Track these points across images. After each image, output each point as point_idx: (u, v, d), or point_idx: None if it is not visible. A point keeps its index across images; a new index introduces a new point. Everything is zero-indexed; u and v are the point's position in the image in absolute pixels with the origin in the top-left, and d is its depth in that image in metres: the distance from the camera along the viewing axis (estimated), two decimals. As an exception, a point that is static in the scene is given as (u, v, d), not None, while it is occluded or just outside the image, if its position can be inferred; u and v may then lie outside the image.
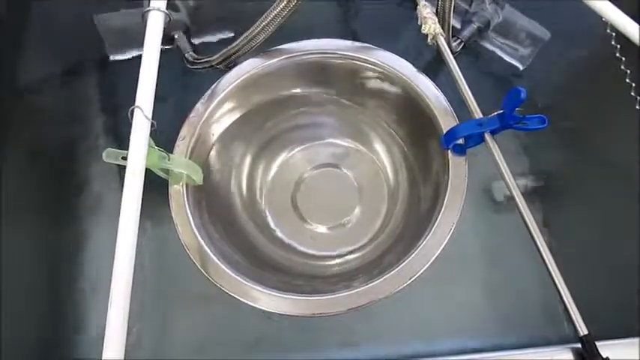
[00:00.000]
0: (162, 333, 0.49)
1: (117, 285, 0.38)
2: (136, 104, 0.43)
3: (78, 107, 0.60)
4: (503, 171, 0.43)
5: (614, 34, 0.60)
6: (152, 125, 0.43)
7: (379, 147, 0.55)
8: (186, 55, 0.56)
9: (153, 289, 0.50)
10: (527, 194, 0.52)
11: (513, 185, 0.42)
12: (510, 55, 0.60)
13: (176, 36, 0.57)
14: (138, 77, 0.43)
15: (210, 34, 0.61)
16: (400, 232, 0.50)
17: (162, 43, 0.53)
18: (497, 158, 0.44)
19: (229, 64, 0.52)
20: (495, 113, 0.43)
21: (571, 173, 0.56)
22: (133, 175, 0.41)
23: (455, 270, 0.50)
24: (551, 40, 0.58)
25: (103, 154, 0.42)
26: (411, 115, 0.50)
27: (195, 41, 0.60)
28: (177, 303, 0.50)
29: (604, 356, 0.38)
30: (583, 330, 0.38)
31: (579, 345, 0.39)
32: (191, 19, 0.58)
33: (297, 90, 0.54)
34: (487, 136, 0.44)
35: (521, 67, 0.60)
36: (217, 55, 0.52)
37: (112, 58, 0.60)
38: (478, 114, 0.45)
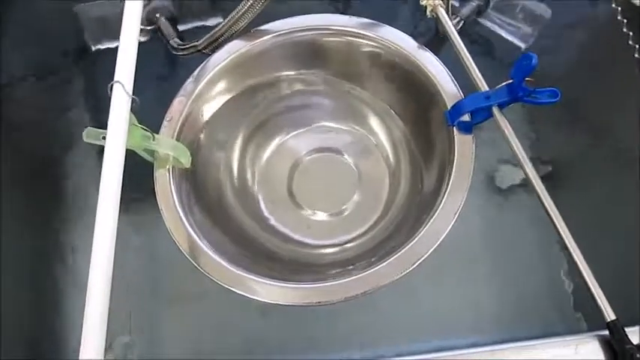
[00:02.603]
0: (155, 334, 0.48)
1: (95, 279, 0.34)
2: (116, 79, 0.40)
3: (60, 100, 0.58)
4: (515, 148, 0.40)
5: (619, 8, 0.58)
6: (133, 102, 0.40)
7: (378, 128, 0.53)
8: (170, 41, 0.54)
9: (143, 288, 0.48)
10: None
11: (527, 163, 0.39)
12: (512, 33, 0.58)
13: (159, 22, 0.55)
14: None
15: (198, 20, 0.59)
16: (403, 218, 0.47)
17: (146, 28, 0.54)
18: (507, 134, 0.41)
19: (216, 47, 0.49)
20: (504, 84, 0.41)
21: (579, 158, 0.54)
22: (113, 155, 0.38)
23: (459, 261, 0.49)
24: (554, 18, 0.56)
25: (83, 134, 0.40)
26: (413, 92, 0.47)
27: (184, 28, 0.58)
28: (169, 302, 0.48)
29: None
30: (610, 315, 0.35)
31: (606, 332, 0.36)
32: (177, 5, 0.57)
33: (290, 71, 0.51)
34: (495, 111, 0.42)
35: (523, 46, 0.57)
36: (203, 39, 0.50)
37: (94, 48, 0.59)
38: (484, 87, 0.42)
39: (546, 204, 0.38)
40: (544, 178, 0.47)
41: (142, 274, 0.49)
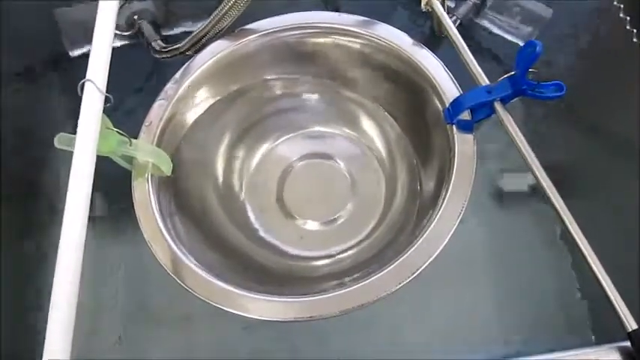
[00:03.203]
0: (146, 354, 0.45)
1: (59, 296, 0.31)
2: (87, 76, 0.37)
3: (38, 106, 0.56)
4: (521, 146, 0.37)
5: (622, 5, 0.55)
6: (107, 101, 0.37)
7: (372, 131, 0.50)
8: (152, 43, 0.52)
9: (133, 307, 0.46)
10: (535, 186, 0.45)
11: (534, 162, 0.36)
12: (511, 33, 0.56)
13: (141, 24, 0.54)
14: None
15: (183, 25, 0.57)
16: (401, 225, 0.45)
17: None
18: (511, 131, 0.38)
19: (199, 49, 0.47)
20: (506, 76, 0.38)
21: (584, 161, 0.51)
22: (82, 160, 0.34)
23: (461, 271, 0.46)
24: (554, 16, 0.54)
25: (55, 140, 0.37)
26: (408, 91, 0.45)
27: (168, 33, 0.56)
28: (159, 321, 0.46)
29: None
30: (631, 325, 0.31)
31: (626, 343, 0.32)
32: (160, 9, 0.56)
33: (278, 72, 0.49)
34: (498, 106, 0.39)
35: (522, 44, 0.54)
36: (185, 41, 0.48)
37: (73, 53, 0.56)
38: (484, 81, 0.40)
39: (558, 206, 0.35)
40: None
41: (130, 292, 0.46)
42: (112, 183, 0.41)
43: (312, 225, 0.48)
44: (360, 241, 0.46)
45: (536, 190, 0.46)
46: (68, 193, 0.33)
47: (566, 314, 0.44)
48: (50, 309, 0.30)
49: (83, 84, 0.37)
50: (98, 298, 0.45)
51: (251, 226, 0.47)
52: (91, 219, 0.47)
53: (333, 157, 0.50)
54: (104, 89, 0.37)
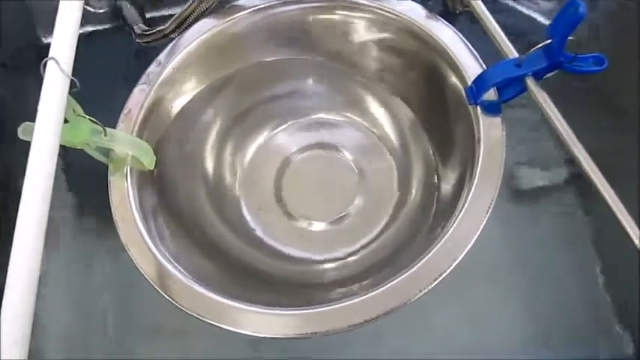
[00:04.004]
0: None
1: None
2: (51, 55, 0.32)
3: (12, 97, 0.51)
4: (560, 128, 0.32)
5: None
6: (73, 85, 0.32)
7: (382, 118, 0.45)
8: (134, 27, 0.47)
9: (123, 321, 0.43)
10: (562, 182, 0.45)
11: (576, 144, 0.31)
12: (531, 8, 0.50)
13: (122, 6, 0.48)
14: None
15: (169, 5, 0.52)
16: (416, 224, 0.40)
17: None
18: (548, 111, 0.32)
19: (186, 29, 0.42)
20: (540, 46, 0.33)
21: (615, 151, 0.44)
22: (42, 150, 0.29)
23: (478, 275, 0.42)
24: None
25: (19, 130, 0.33)
26: (422, 70, 0.40)
27: (154, 14, 0.51)
28: (150, 336, 0.42)
29: None
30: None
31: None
32: None
33: (273, 54, 0.44)
34: (530, 82, 0.33)
35: (546, 23, 0.49)
36: (170, 22, 0.43)
37: (45, 40, 0.53)
38: (512, 53, 0.35)
39: (607, 196, 0.29)
40: (572, 181, 0.44)
41: (118, 303, 0.43)
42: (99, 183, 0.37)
43: (315, 224, 0.43)
44: (370, 242, 0.42)
45: (558, 186, 0.44)
46: (24, 188, 0.28)
47: (599, 320, 0.41)
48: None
49: (45, 63, 0.32)
50: (83, 309, 0.43)
51: (246, 226, 0.43)
52: (78, 219, 0.45)
53: (338, 148, 0.46)
54: (70, 70, 0.32)
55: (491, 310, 0.41)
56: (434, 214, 0.39)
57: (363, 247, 0.41)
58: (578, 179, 0.44)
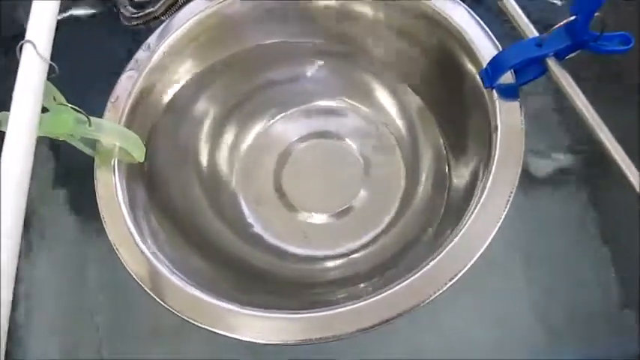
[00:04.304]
0: None
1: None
2: (27, 37, 0.29)
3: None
4: (586, 113, 0.29)
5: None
6: (52, 70, 0.30)
7: (389, 105, 0.43)
8: (122, 9, 0.45)
9: (109, 326, 0.41)
10: (566, 170, 0.43)
11: (603, 130, 0.29)
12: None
13: None
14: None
15: None
16: (426, 218, 0.38)
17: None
18: (572, 94, 0.30)
19: (177, 10, 0.40)
20: (562, 23, 0.30)
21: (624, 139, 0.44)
22: (17, 140, 0.27)
23: (490, 271, 0.39)
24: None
25: None
26: (433, 52, 0.38)
27: None
28: (144, 338, 0.40)
29: None
30: None
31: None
32: None
33: (273, 36, 0.42)
34: (551, 63, 0.31)
35: (559, 2, 0.47)
36: (160, 4, 0.42)
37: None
38: (532, 32, 0.32)
39: (635, 183, 0.27)
40: (579, 169, 0.42)
41: (110, 303, 0.41)
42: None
43: (317, 219, 0.41)
44: (377, 238, 0.39)
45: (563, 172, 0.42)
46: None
47: (611, 319, 0.39)
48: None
49: (21, 46, 0.29)
50: (75, 310, 0.41)
51: (244, 221, 0.41)
52: (69, 216, 0.43)
53: (341, 137, 0.43)
54: (48, 54, 0.30)
55: (504, 305, 0.39)
56: (445, 207, 0.36)
57: (369, 243, 0.39)
58: (580, 163, 0.42)
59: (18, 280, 0.39)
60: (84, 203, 0.42)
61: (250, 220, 0.41)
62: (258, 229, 0.41)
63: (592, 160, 0.43)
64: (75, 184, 0.44)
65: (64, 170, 0.45)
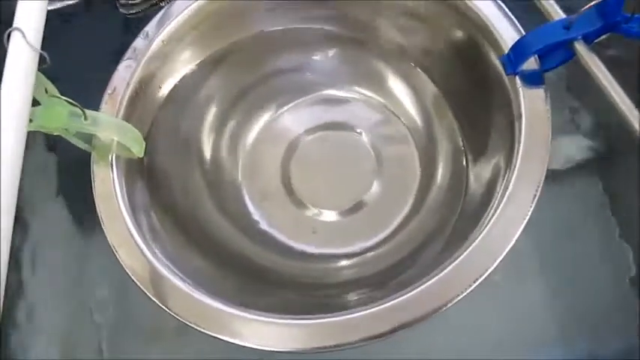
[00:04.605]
0: None
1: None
2: (15, 25, 0.27)
3: None
4: (619, 100, 0.27)
5: None
6: (43, 61, 0.28)
7: (403, 94, 0.41)
8: None
9: (109, 325, 0.39)
10: (581, 162, 0.41)
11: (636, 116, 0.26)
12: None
13: None
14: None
15: None
16: (442, 216, 0.36)
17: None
18: (603, 81, 0.28)
19: None
20: (592, 4, 0.28)
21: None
22: (7, 137, 0.25)
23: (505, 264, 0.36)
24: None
25: None
26: (450, 37, 0.36)
27: None
28: (147, 339, 0.39)
29: None
30: None
31: None
32: None
33: (279, 22, 0.40)
34: (579, 47, 0.29)
35: None
36: None
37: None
38: (559, 14, 0.30)
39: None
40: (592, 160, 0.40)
41: (114, 304, 0.40)
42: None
43: (327, 215, 0.39)
44: (390, 236, 0.38)
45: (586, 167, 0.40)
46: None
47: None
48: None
49: (9, 34, 0.27)
50: (73, 308, 0.40)
51: (249, 218, 0.39)
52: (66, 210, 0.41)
53: (352, 128, 0.42)
54: (38, 42, 0.28)
55: (519, 302, 0.38)
56: (463, 204, 0.35)
57: (382, 241, 0.37)
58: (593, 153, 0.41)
59: (17, 279, 0.40)
60: (83, 199, 0.42)
61: (256, 216, 0.39)
62: (264, 226, 0.39)
63: (610, 150, 0.41)
64: (73, 179, 0.43)
65: (62, 165, 0.43)
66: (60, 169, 0.43)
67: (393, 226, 0.38)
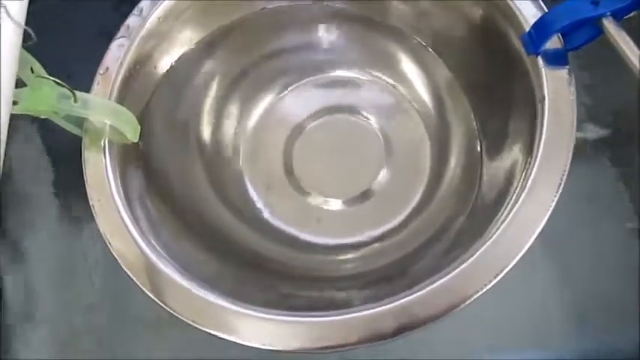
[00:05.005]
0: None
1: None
2: None
3: None
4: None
5: None
6: (28, 37, 0.26)
7: (414, 76, 0.39)
8: None
9: (106, 316, 0.39)
10: (594, 143, 0.40)
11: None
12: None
13: None
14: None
15: None
16: (455, 206, 0.34)
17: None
18: (633, 60, 0.26)
19: None
20: (626, -24, 0.26)
21: None
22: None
23: None
24: None
25: None
26: (465, 14, 0.34)
27: None
28: (139, 333, 0.38)
29: None
30: None
31: None
32: None
33: (282, 1, 0.38)
34: (608, 24, 0.27)
35: None
36: None
37: None
38: None
39: None
40: (601, 142, 0.39)
41: (109, 292, 0.39)
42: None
43: (333, 203, 0.38)
44: (399, 226, 0.36)
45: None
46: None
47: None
48: None
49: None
50: (70, 296, 0.39)
51: (251, 206, 0.38)
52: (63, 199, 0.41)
53: (359, 111, 0.40)
54: (22, 18, 0.26)
55: (527, 292, 0.36)
56: (477, 194, 0.33)
57: (390, 232, 0.36)
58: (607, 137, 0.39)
59: (13, 277, 0.39)
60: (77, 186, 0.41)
61: (258, 205, 0.38)
62: (266, 215, 0.38)
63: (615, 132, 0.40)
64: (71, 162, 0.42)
65: (53, 149, 0.42)
66: (52, 152, 0.42)
67: (402, 217, 0.36)
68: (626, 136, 0.40)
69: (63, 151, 0.41)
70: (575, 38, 0.29)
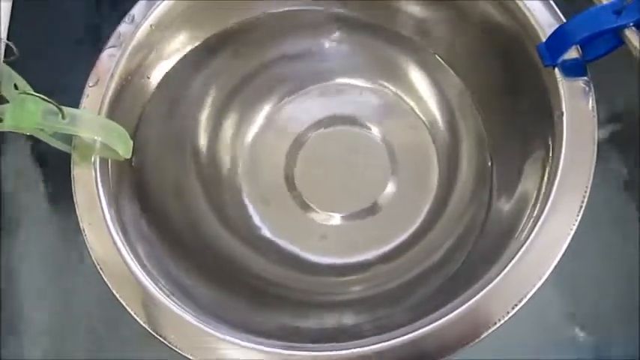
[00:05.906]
0: None
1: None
2: None
3: None
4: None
5: None
6: (10, 52, 0.25)
7: (422, 86, 0.38)
8: None
9: (101, 323, 0.38)
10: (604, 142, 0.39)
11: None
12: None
13: None
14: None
15: None
16: (466, 224, 0.33)
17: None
18: None
19: None
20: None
21: None
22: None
23: None
24: None
25: None
26: (477, 21, 0.33)
27: None
28: (135, 342, 0.37)
29: None
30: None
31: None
32: None
33: (282, 2, 0.37)
34: (630, 35, 0.26)
35: None
36: None
37: None
38: None
39: None
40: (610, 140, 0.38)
41: (105, 302, 0.36)
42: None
43: (336, 219, 0.37)
44: (407, 245, 0.35)
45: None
46: None
47: None
48: None
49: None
50: (65, 310, 0.38)
51: (250, 223, 0.37)
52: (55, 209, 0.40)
53: (364, 122, 0.39)
54: (4, 32, 0.25)
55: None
56: (488, 211, 0.32)
57: (397, 251, 0.35)
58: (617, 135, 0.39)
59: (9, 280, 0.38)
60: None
61: (257, 222, 0.37)
62: (266, 232, 0.37)
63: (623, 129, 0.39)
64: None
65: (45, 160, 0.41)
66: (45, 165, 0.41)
67: (409, 234, 0.35)
68: (627, 137, 0.39)
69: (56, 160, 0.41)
70: (595, 48, 0.27)
